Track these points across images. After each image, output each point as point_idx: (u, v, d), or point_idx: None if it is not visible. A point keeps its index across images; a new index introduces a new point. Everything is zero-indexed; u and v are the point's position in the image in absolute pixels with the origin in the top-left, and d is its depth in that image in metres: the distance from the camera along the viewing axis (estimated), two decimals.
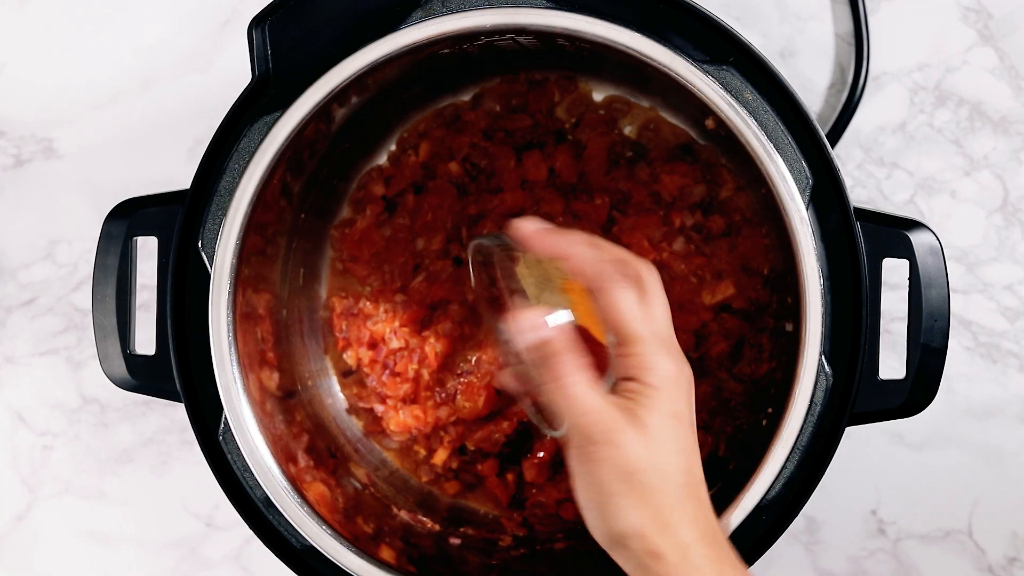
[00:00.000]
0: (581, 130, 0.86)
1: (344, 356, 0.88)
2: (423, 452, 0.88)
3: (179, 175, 0.90)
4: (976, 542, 0.88)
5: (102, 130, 0.93)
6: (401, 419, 0.86)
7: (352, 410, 0.89)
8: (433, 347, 0.86)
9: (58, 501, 0.94)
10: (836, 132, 0.86)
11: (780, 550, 0.72)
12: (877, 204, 0.87)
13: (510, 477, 0.87)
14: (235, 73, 0.80)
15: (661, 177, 0.84)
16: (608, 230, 0.85)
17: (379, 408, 0.87)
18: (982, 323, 0.87)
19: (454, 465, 0.88)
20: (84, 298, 0.93)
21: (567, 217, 0.85)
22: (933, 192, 0.87)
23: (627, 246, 0.84)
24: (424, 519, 0.84)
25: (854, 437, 0.84)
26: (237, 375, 0.74)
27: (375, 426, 0.88)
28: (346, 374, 0.89)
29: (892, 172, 0.87)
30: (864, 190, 0.87)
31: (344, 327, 0.88)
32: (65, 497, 0.94)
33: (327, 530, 0.73)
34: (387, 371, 0.87)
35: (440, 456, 0.87)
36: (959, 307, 0.87)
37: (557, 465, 0.87)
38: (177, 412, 0.92)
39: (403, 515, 0.84)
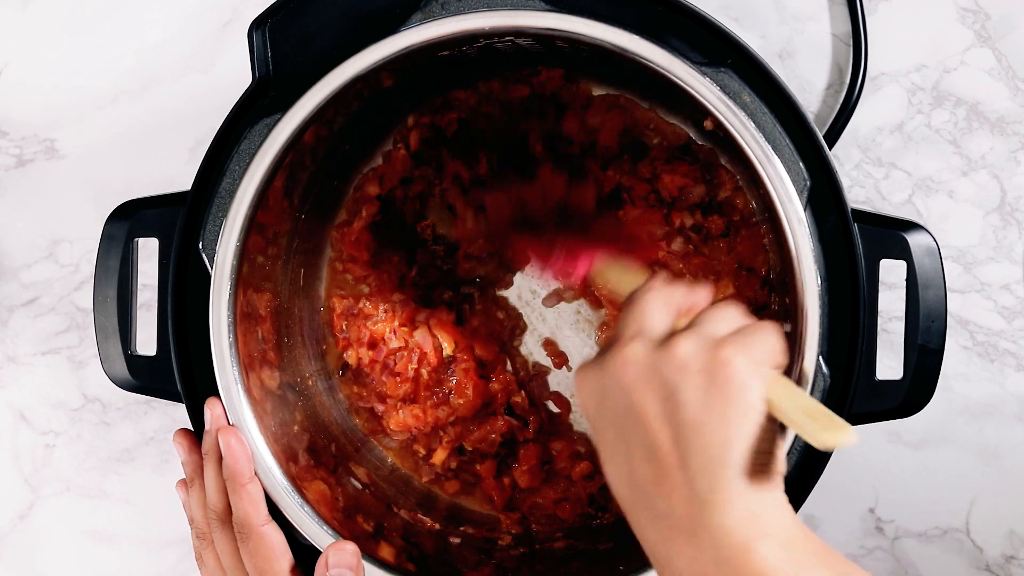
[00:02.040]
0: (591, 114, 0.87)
1: (345, 356, 0.88)
2: (422, 451, 0.88)
3: (180, 175, 0.91)
4: (974, 540, 0.88)
5: (104, 130, 0.93)
6: (401, 418, 0.87)
7: (352, 409, 0.89)
8: (431, 341, 0.87)
9: (60, 500, 0.94)
10: (834, 132, 0.86)
11: None
12: (875, 204, 0.87)
13: (507, 480, 0.87)
14: (236, 73, 0.80)
15: (662, 176, 0.84)
16: (615, 217, 0.85)
17: (379, 407, 0.88)
18: (979, 322, 0.87)
19: (453, 465, 0.88)
20: (86, 298, 0.93)
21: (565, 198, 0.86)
22: (931, 192, 0.87)
23: (629, 238, 0.84)
24: (424, 518, 0.85)
25: None
26: (237, 375, 0.74)
27: (375, 425, 0.88)
28: (342, 370, 0.89)
29: (890, 172, 0.87)
30: (862, 190, 0.87)
31: (344, 327, 0.88)
32: (67, 496, 0.94)
33: (327, 530, 0.74)
34: (387, 371, 0.87)
35: (439, 456, 0.87)
36: (956, 307, 0.87)
37: (548, 467, 0.87)
38: (178, 411, 0.93)
39: (403, 514, 0.84)
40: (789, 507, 0.60)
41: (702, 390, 0.58)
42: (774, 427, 0.60)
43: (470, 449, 0.88)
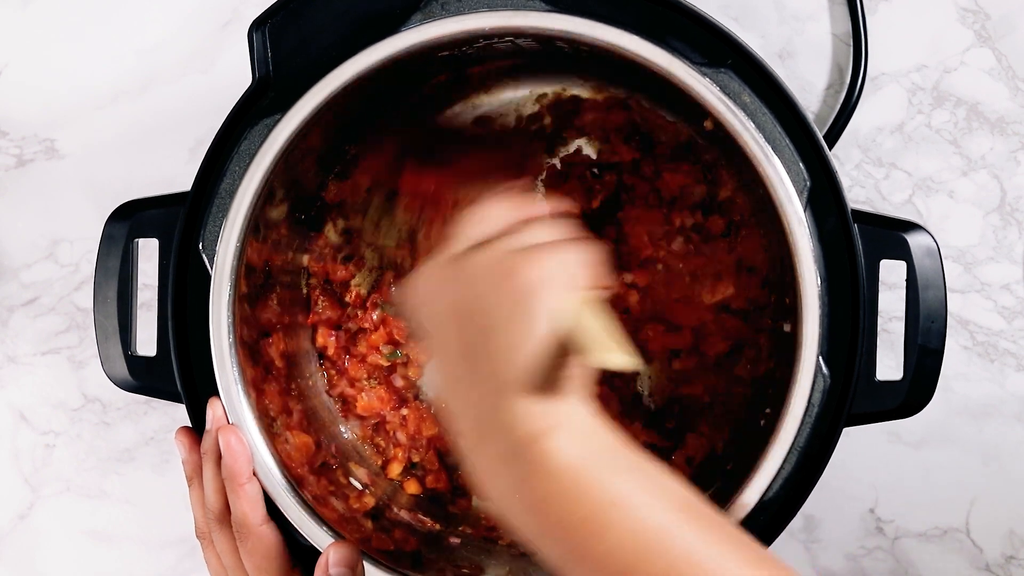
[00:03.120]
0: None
1: (317, 336, 0.88)
2: (379, 463, 0.88)
3: (181, 175, 0.90)
4: (974, 540, 0.88)
5: (104, 130, 0.93)
6: (367, 401, 0.87)
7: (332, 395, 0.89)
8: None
9: (60, 500, 0.94)
10: (834, 132, 0.86)
11: (778, 548, 0.72)
12: (875, 204, 0.87)
13: None
14: (236, 73, 0.80)
15: (664, 175, 0.84)
16: (613, 216, 0.85)
17: (349, 391, 0.88)
18: (979, 322, 0.88)
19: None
20: (86, 298, 0.93)
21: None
22: (931, 192, 0.87)
23: (627, 236, 0.84)
24: (424, 518, 0.85)
25: (852, 435, 0.84)
26: (238, 376, 0.75)
27: (346, 409, 0.88)
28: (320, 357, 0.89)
29: (890, 172, 0.87)
30: (862, 190, 0.87)
31: (317, 297, 0.87)
32: (67, 496, 0.94)
33: (327, 531, 0.74)
34: (349, 354, 0.87)
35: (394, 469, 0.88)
36: (956, 307, 0.87)
37: None
38: (178, 411, 0.92)
39: (403, 514, 0.84)
40: (587, 405, 0.59)
41: (496, 294, 0.59)
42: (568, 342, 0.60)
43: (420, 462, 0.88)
